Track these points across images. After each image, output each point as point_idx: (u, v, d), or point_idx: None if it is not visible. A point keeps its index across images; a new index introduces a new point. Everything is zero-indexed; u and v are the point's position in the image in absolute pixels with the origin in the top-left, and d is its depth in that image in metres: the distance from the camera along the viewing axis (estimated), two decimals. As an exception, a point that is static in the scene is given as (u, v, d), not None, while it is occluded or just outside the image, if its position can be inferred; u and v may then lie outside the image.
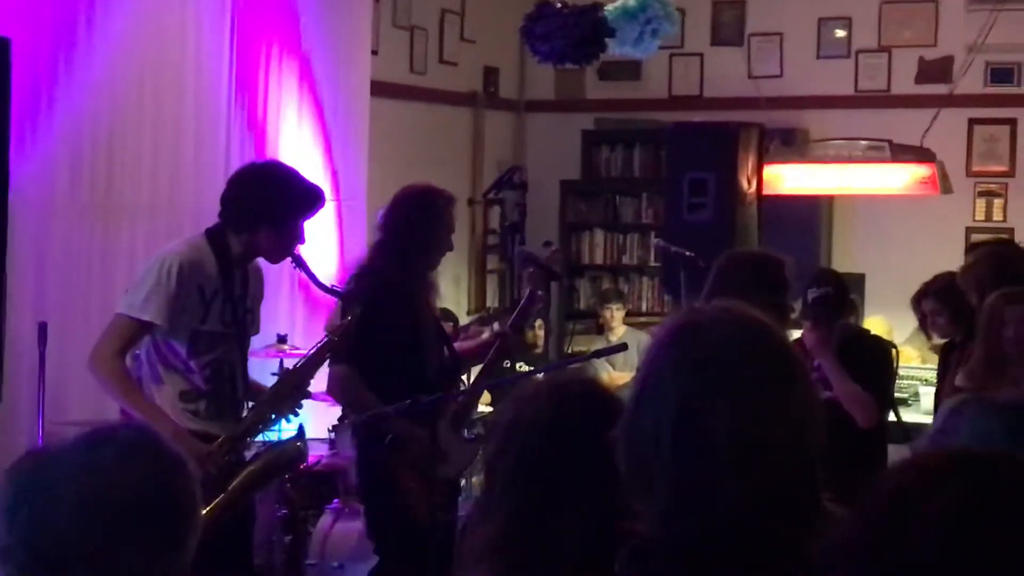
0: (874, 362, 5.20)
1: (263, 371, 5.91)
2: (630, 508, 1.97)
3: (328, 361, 4.82)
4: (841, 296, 5.27)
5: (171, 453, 1.82)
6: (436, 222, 5.00)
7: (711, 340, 1.72)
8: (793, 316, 5.00)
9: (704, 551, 1.66)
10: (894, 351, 5.68)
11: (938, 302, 5.71)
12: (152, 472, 1.77)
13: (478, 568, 2.03)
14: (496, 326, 6.14)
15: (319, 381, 4.89)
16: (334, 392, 5.03)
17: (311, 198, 4.55)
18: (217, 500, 4.33)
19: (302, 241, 4.55)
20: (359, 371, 4.85)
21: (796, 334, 5.37)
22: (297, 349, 6.16)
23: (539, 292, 5.95)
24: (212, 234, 4.50)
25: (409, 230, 4.93)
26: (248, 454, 4.61)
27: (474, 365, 5.61)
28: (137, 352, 4.64)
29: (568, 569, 1.98)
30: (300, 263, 4.58)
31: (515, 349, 5.56)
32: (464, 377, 5.92)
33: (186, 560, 1.78)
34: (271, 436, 4.88)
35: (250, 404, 4.61)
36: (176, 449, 1.84)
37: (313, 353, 4.73)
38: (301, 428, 4.80)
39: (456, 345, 5.47)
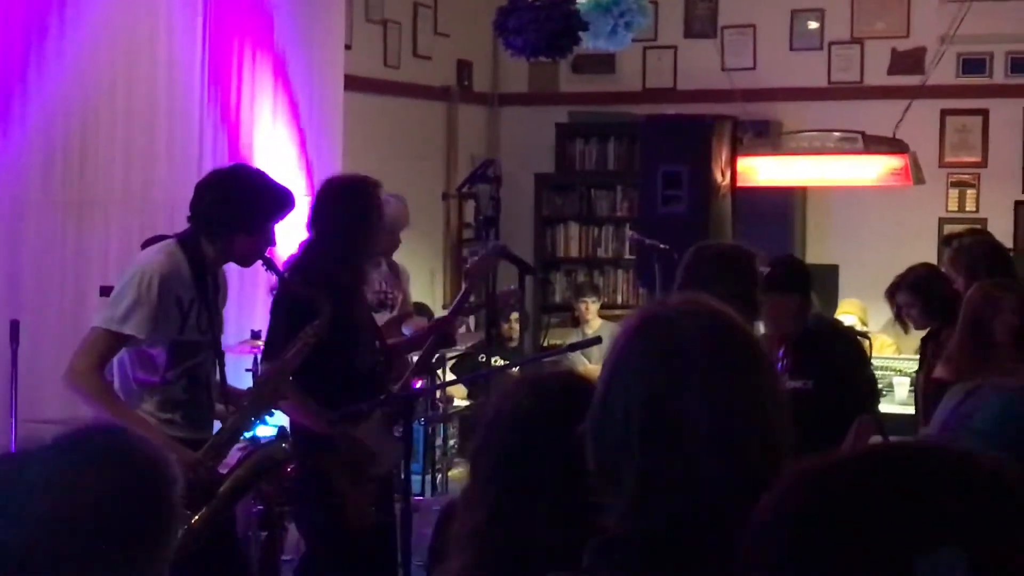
0: (847, 354, 5.21)
1: (238, 368, 5.90)
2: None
3: (259, 360, 4.81)
4: (792, 275, 5.25)
5: (148, 458, 1.74)
6: (369, 211, 4.94)
7: (677, 331, 1.73)
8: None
9: (674, 542, 1.67)
10: (867, 341, 5.70)
11: (910, 294, 5.74)
12: (126, 481, 1.69)
13: (461, 555, 2.06)
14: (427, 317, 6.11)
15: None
16: None
17: (284, 202, 4.53)
18: (208, 507, 4.32)
19: (273, 243, 4.54)
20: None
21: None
22: (272, 345, 6.14)
23: (512, 287, 5.97)
24: (185, 241, 4.46)
25: (341, 222, 4.86)
26: (233, 457, 4.60)
27: (409, 353, 5.53)
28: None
29: (546, 558, 2.01)
30: (271, 265, 4.58)
31: (451, 339, 5.51)
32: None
33: (163, 568, 1.73)
34: (248, 435, 4.87)
35: (229, 408, 4.60)
36: (154, 452, 1.76)
37: (288, 353, 4.72)
38: (283, 429, 4.79)
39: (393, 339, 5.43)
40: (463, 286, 5.54)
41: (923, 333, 5.94)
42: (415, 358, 5.43)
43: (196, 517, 4.29)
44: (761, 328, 4.96)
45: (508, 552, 2.04)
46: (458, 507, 2.12)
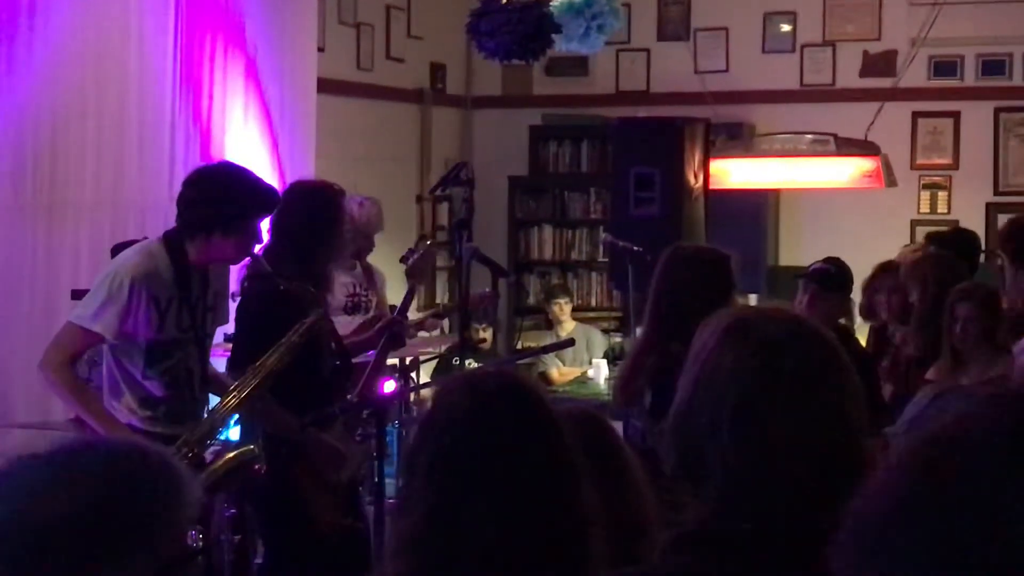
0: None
1: (217, 369, 5.88)
2: (549, 502, 2.01)
3: (228, 367, 4.81)
4: (843, 278, 5.33)
5: (131, 472, 1.71)
6: (336, 218, 4.94)
7: (770, 336, 1.79)
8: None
9: (757, 541, 1.70)
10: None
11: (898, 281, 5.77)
12: (95, 494, 1.66)
13: (397, 561, 2.04)
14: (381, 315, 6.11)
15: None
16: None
17: (264, 199, 4.51)
18: None
19: (259, 241, 4.52)
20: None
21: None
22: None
23: (487, 290, 5.95)
24: (169, 239, 4.47)
25: (310, 228, 4.83)
26: (208, 456, 4.59)
27: (362, 352, 5.51)
28: (96, 360, 4.64)
29: (485, 561, 2.00)
30: (259, 262, 4.57)
31: (400, 339, 5.51)
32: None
33: None
34: (226, 434, 4.87)
35: (212, 400, 4.60)
36: (157, 472, 1.73)
37: (272, 353, 4.70)
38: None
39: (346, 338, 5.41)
40: (407, 289, 5.54)
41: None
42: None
43: None
44: None
45: (446, 555, 2.02)
46: (393, 510, 2.12)
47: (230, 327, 6.34)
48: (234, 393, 4.59)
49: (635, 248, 6.72)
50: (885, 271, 5.86)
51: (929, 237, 6.94)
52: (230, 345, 6.22)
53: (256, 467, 4.93)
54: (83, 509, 1.67)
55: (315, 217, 4.82)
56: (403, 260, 5.75)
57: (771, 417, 1.73)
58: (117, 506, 1.69)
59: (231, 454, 4.60)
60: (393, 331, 5.26)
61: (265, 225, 4.64)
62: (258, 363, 4.69)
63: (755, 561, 1.70)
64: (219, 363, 5.98)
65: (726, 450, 1.73)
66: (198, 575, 4.60)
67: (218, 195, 4.41)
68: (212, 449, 4.75)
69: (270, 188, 4.58)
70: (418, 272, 5.66)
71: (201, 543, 4.19)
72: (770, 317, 1.85)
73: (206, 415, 4.57)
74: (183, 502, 1.74)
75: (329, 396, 4.73)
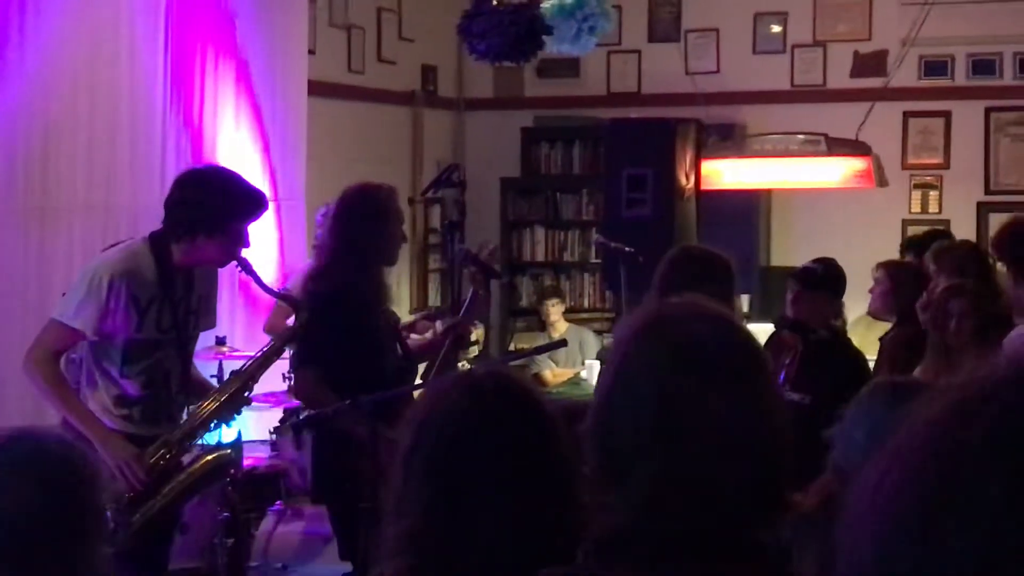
0: (851, 377, 5.19)
1: (203, 373, 5.87)
2: (546, 499, 2.01)
3: (293, 365, 4.83)
4: (827, 277, 5.33)
5: (67, 471, 1.71)
6: (389, 217, 4.99)
7: (688, 333, 1.74)
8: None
9: (689, 540, 1.67)
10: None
11: (887, 275, 5.78)
12: (32, 497, 1.66)
13: (395, 560, 2.05)
14: (440, 324, 6.14)
15: (260, 385, 4.87)
16: (301, 396, 5.04)
17: (250, 203, 4.51)
18: (149, 503, 4.32)
19: (246, 245, 4.52)
20: (324, 374, 4.83)
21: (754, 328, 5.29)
22: (237, 351, 6.13)
23: (480, 292, 5.96)
24: (155, 240, 4.48)
25: (363, 229, 4.90)
26: (186, 458, 4.60)
27: (425, 361, 5.59)
28: (74, 356, 4.65)
29: (481, 562, 2.01)
30: (245, 267, 4.57)
31: (465, 340, 5.57)
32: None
33: (91, 568, 1.70)
34: (210, 440, 4.86)
35: (193, 404, 4.61)
36: (76, 464, 1.74)
37: (258, 358, 4.71)
38: (238, 435, 4.79)
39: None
40: (471, 291, 5.56)
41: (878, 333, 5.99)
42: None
43: (137, 513, 4.31)
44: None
45: (444, 554, 2.03)
46: (388, 510, 2.11)
47: (218, 331, 6.36)
48: (215, 396, 4.60)
49: (627, 249, 6.72)
50: (885, 266, 5.91)
51: (912, 241, 6.97)
52: (223, 348, 6.24)
53: (232, 471, 4.95)
54: (26, 512, 1.67)
55: (368, 218, 4.87)
56: (463, 264, 5.76)
57: (695, 414, 1.68)
58: (56, 506, 1.70)
59: (207, 457, 4.62)
60: (458, 332, 5.29)
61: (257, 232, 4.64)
62: (242, 368, 4.70)
63: (685, 560, 1.67)
64: (208, 367, 5.99)
65: (647, 450, 1.68)
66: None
67: (204, 197, 4.42)
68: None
69: (257, 192, 4.58)
70: (480, 279, 5.65)
71: (114, 523, 4.17)
72: (686, 314, 1.79)
73: (186, 417, 4.57)
74: (102, 486, 1.75)
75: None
